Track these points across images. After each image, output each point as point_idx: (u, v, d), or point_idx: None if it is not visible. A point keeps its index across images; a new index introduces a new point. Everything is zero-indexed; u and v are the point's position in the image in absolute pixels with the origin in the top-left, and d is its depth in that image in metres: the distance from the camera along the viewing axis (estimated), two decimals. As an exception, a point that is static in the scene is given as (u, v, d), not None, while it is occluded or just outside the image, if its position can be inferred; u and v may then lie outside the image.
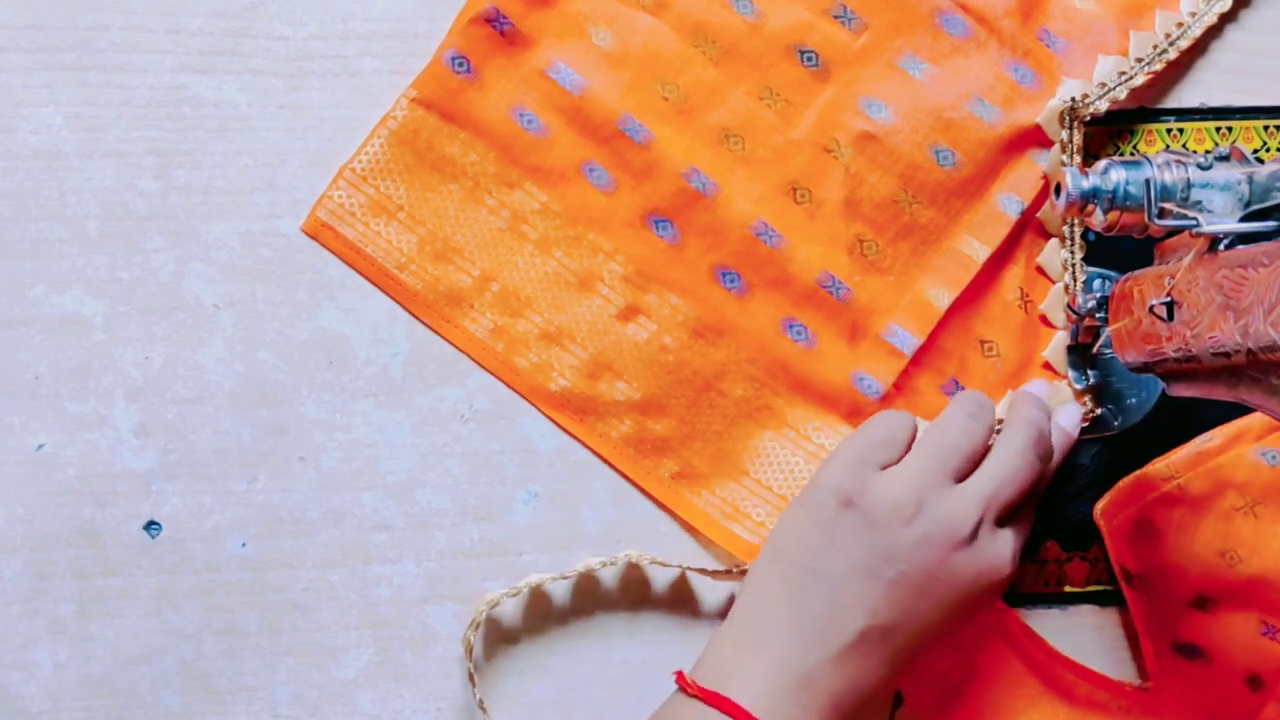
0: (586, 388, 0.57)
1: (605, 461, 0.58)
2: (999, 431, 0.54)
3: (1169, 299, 0.47)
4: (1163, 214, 0.48)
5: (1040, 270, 0.58)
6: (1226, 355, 0.44)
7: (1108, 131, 0.59)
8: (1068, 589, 0.58)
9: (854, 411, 0.58)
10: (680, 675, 0.51)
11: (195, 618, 0.57)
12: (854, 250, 0.58)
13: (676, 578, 0.57)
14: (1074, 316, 0.56)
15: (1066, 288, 0.57)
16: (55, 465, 0.57)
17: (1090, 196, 0.49)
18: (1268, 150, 0.59)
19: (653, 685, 0.53)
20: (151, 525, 0.57)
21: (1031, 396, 0.56)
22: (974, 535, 0.51)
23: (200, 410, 0.57)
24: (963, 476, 0.52)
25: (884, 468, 0.52)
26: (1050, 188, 0.57)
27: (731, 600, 0.56)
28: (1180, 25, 0.58)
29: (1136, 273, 0.51)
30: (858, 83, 0.58)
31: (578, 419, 0.57)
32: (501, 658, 0.57)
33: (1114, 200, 0.49)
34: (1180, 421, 0.56)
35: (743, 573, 0.56)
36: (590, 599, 0.57)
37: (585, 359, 0.58)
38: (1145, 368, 0.51)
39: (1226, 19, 0.59)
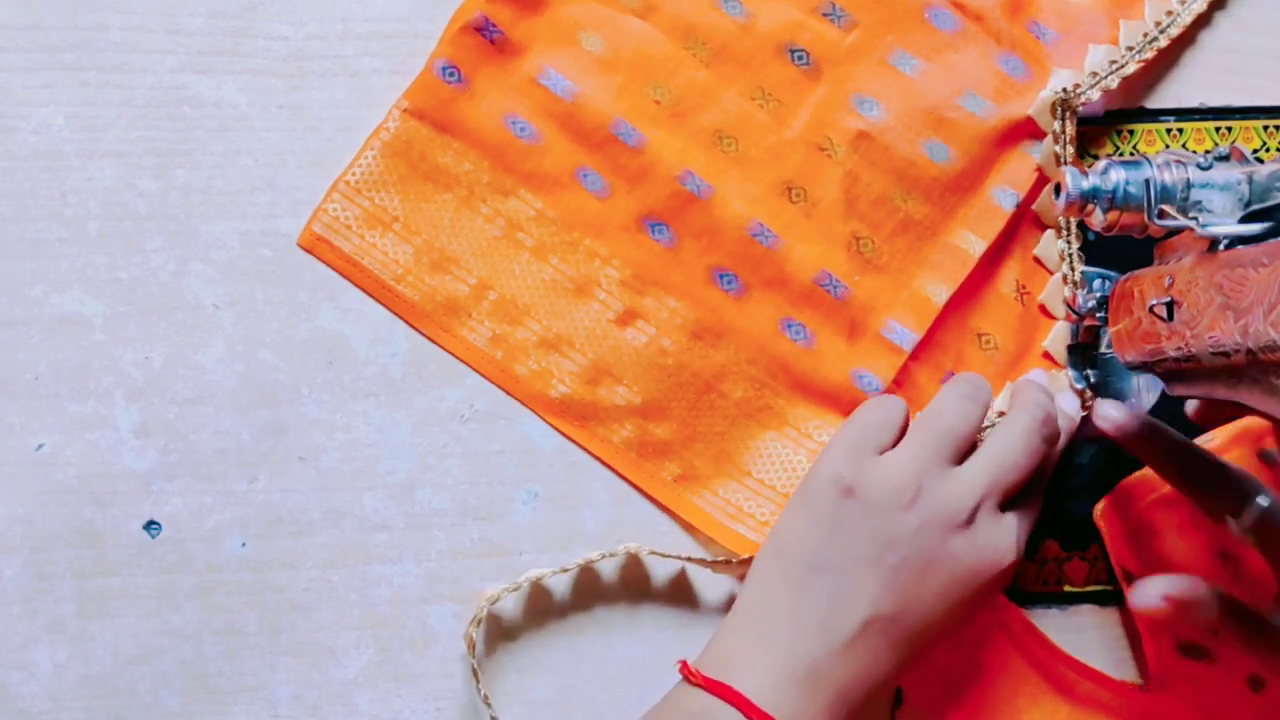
0: (587, 393, 0.57)
1: (607, 466, 0.58)
2: (1000, 418, 0.54)
3: (1169, 299, 0.47)
4: (1162, 214, 0.48)
5: (1038, 261, 0.58)
6: (1226, 355, 0.44)
7: (1107, 131, 0.59)
8: (1068, 589, 0.58)
9: (855, 409, 0.58)
10: (684, 665, 0.51)
11: (195, 618, 0.57)
12: (851, 248, 0.58)
13: (677, 573, 0.58)
14: (1074, 316, 0.57)
15: (1065, 278, 0.57)
16: (55, 465, 0.57)
17: (1090, 196, 0.49)
18: (1268, 150, 0.59)
19: (653, 682, 0.53)
20: (151, 525, 0.57)
21: (1035, 383, 0.56)
22: (973, 519, 0.51)
23: (200, 410, 0.57)
24: (960, 459, 0.52)
25: (879, 453, 0.52)
26: (1044, 179, 0.58)
27: (733, 597, 0.56)
28: (1170, 13, 0.58)
29: (1136, 273, 0.51)
30: (849, 81, 0.58)
31: (579, 425, 0.57)
32: (502, 655, 0.57)
33: (1114, 200, 0.49)
34: (1180, 423, 0.56)
35: (743, 563, 0.56)
36: (590, 595, 0.57)
37: (585, 364, 0.58)
38: (1145, 367, 0.51)
39: (1216, 6, 0.59)
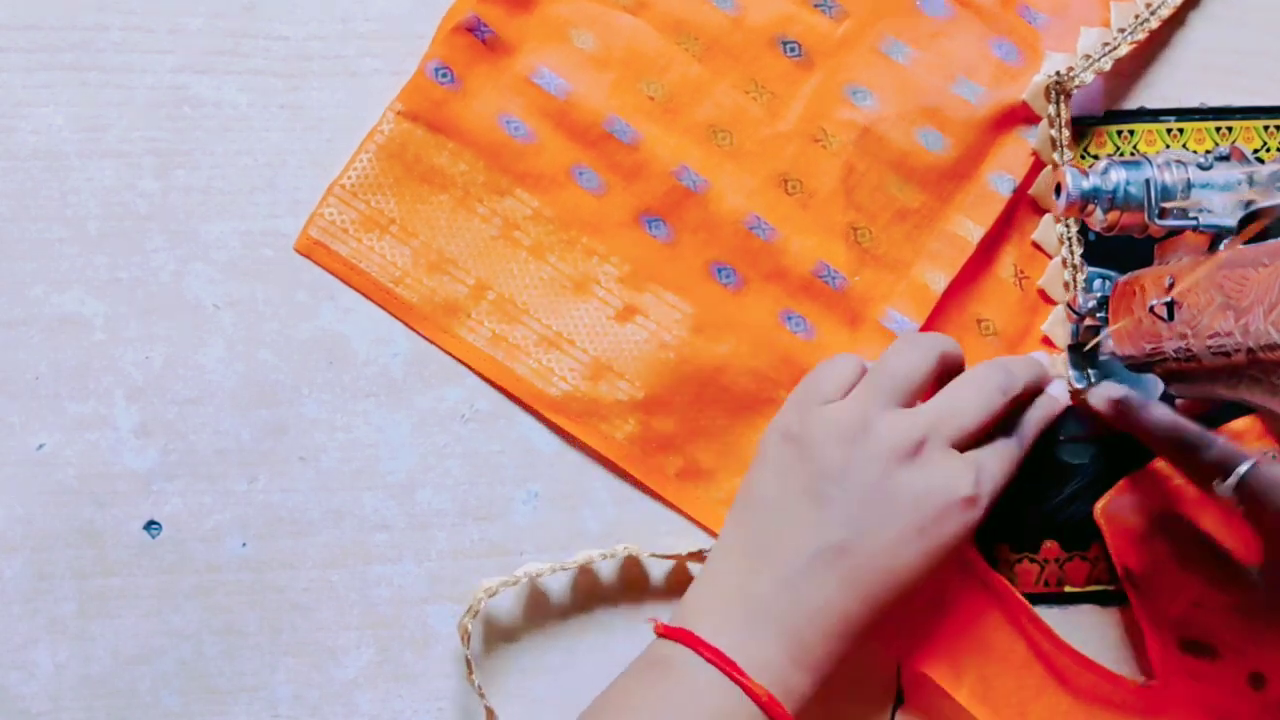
0: (588, 390, 0.57)
1: (609, 463, 0.58)
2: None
3: (1169, 299, 0.47)
4: (1163, 214, 0.48)
5: (1036, 246, 0.58)
6: (1227, 355, 0.44)
7: (1107, 131, 0.59)
8: (1068, 589, 0.58)
9: None
10: (654, 621, 0.52)
11: (195, 618, 0.57)
12: (848, 239, 0.58)
13: (676, 573, 0.57)
14: (1074, 316, 0.57)
15: (1064, 261, 0.57)
16: (55, 465, 0.57)
17: (1090, 196, 0.49)
18: (1268, 150, 0.59)
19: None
20: (151, 525, 0.57)
21: (1025, 356, 0.56)
22: (920, 449, 0.51)
23: (200, 410, 0.57)
24: (909, 405, 0.52)
25: (828, 404, 0.53)
26: (1040, 164, 0.58)
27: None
28: None
29: (1136, 273, 0.51)
30: (842, 71, 0.58)
31: (581, 422, 0.57)
32: (500, 655, 0.57)
33: (1114, 200, 0.49)
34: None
35: None
36: (589, 595, 0.57)
37: (585, 362, 0.58)
38: (1145, 367, 0.51)
39: None
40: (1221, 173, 0.48)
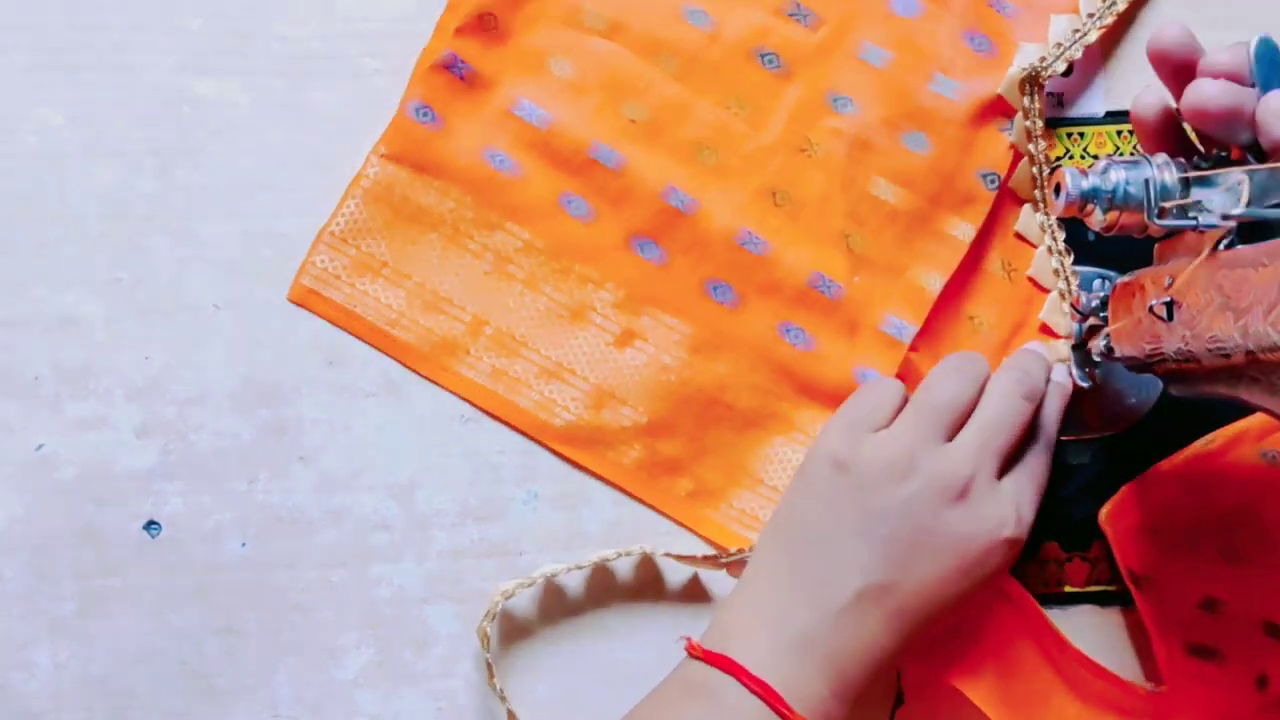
0: (592, 418, 0.57)
1: (619, 488, 0.57)
2: None
3: (1169, 299, 0.47)
4: (1162, 214, 0.48)
5: (1020, 237, 0.59)
6: (1226, 355, 0.44)
7: (1107, 131, 0.59)
8: (1068, 589, 0.58)
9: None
10: (688, 640, 0.52)
11: (195, 618, 0.57)
12: (841, 247, 0.58)
13: (687, 574, 0.57)
14: (1076, 315, 0.57)
15: (1049, 249, 0.58)
16: (55, 465, 0.57)
17: (1090, 196, 0.49)
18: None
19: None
20: (151, 525, 0.57)
21: (1022, 350, 0.56)
22: (968, 490, 0.51)
23: (200, 410, 0.57)
24: (953, 434, 0.52)
25: (875, 431, 0.52)
26: (1020, 156, 0.58)
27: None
28: None
29: (1136, 273, 0.51)
30: (823, 79, 0.58)
31: (587, 450, 0.57)
32: (507, 653, 0.57)
33: (1113, 200, 0.49)
34: (1180, 422, 0.56)
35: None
36: (598, 595, 0.57)
37: (587, 390, 0.58)
38: (1145, 367, 0.51)
39: None
40: (1221, 173, 0.48)
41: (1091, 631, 0.58)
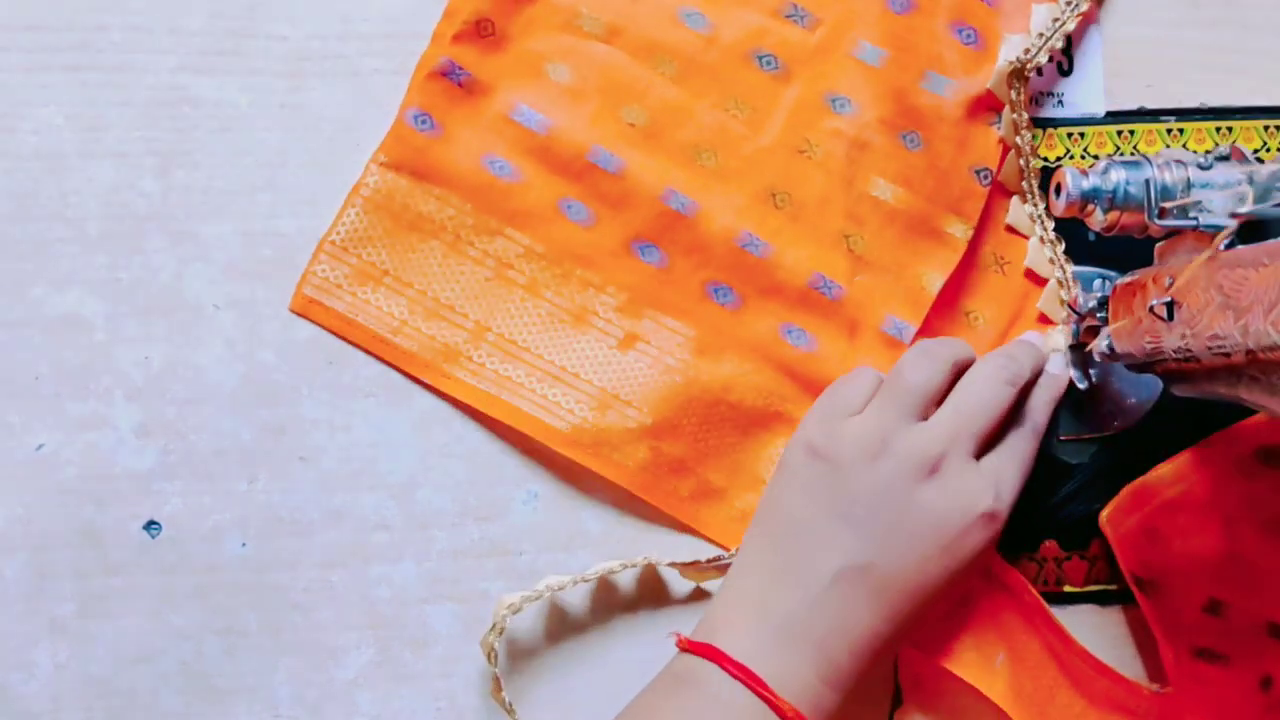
0: (597, 421, 0.57)
1: (624, 490, 0.57)
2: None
3: (1169, 299, 0.47)
4: (1162, 214, 0.48)
5: (1011, 229, 0.59)
6: (1226, 355, 0.44)
7: (1107, 131, 0.59)
8: (1067, 589, 0.58)
9: None
10: (677, 635, 0.52)
11: (195, 618, 0.57)
12: (841, 247, 0.58)
13: (688, 580, 0.57)
14: (1075, 315, 0.57)
15: (1041, 239, 0.58)
16: (55, 465, 0.57)
17: (1090, 196, 0.49)
18: (1268, 150, 0.59)
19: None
20: (151, 525, 0.57)
21: (1015, 340, 0.57)
22: (939, 466, 0.51)
23: (200, 410, 0.57)
24: (926, 416, 0.53)
25: (850, 418, 0.53)
26: (1009, 149, 0.58)
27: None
28: None
29: (1136, 272, 0.51)
30: (821, 80, 0.58)
31: (592, 453, 0.57)
32: (509, 662, 0.57)
33: (1114, 200, 0.49)
34: (1180, 422, 0.56)
35: None
36: (601, 602, 0.57)
37: (592, 393, 0.58)
38: (1145, 367, 0.51)
39: None
40: (1221, 173, 0.48)
41: (1092, 631, 0.58)
